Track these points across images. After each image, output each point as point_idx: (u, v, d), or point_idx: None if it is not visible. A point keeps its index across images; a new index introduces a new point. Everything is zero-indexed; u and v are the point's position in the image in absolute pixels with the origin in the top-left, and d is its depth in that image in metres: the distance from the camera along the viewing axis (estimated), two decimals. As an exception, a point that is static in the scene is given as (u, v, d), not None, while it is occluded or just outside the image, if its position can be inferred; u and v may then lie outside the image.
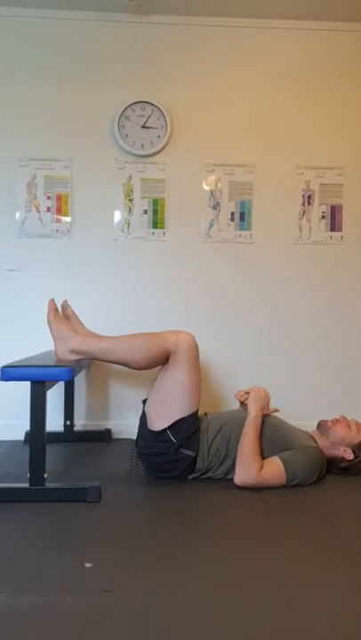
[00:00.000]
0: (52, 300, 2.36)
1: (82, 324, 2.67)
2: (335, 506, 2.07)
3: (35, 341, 2.73)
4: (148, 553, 1.65)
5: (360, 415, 2.56)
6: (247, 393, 2.45)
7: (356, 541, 1.76)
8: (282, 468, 2.22)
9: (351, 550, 1.69)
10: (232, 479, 2.28)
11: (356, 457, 2.39)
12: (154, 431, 2.30)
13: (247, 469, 2.20)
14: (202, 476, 2.33)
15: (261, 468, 2.21)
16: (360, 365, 3.18)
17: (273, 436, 2.33)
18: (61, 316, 2.43)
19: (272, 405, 2.46)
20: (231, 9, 3.02)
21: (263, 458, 2.26)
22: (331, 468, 2.40)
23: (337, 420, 2.44)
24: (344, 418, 2.47)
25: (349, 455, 2.38)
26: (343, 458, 2.39)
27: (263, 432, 2.32)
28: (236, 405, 2.55)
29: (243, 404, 2.47)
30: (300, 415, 2.81)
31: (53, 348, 2.33)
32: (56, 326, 2.30)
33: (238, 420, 2.37)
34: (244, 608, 1.36)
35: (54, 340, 2.30)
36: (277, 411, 2.48)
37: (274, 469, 2.22)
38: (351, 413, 2.58)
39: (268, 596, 1.42)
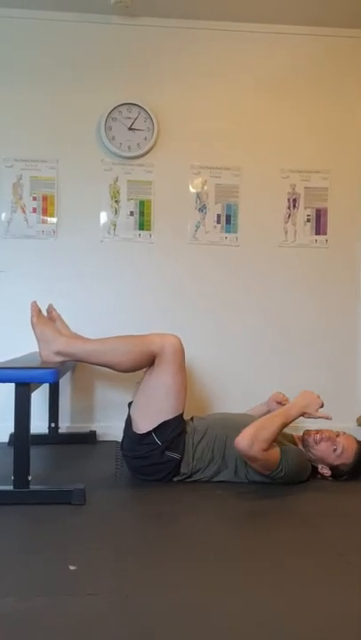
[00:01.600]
0: (35, 302, 2.34)
1: (67, 326, 2.66)
2: (320, 508, 2.08)
3: (19, 343, 2.71)
4: (134, 555, 1.65)
5: (355, 415, 2.55)
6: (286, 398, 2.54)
7: (340, 542, 1.77)
8: (279, 455, 2.21)
9: (340, 552, 1.70)
10: (217, 482, 2.29)
11: (332, 475, 2.37)
12: (139, 434, 2.29)
13: (255, 442, 2.10)
14: (187, 479, 2.32)
15: (266, 450, 2.14)
16: (353, 366, 3.20)
17: None
18: (45, 318, 2.41)
19: None
20: (218, 13, 3.03)
21: None
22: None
23: (321, 438, 2.35)
24: (330, 438, 2.34)
25: (327, 472, 2.37)
26: (321, 474, 2.38)
27: None
28: (231, 407, 2.55)
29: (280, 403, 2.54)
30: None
31: (38, 349, 2.32)
32: (40, 329, 2.28)
33: (223, 424, 2.38)
34: (241, 608, 1.36)
35: (38, 343, 2.29)
36: (329, 418, 2.26)
37: (273, 453, 2.19)
38: (346, 414, 2.56)
39: (268, 595, 1.42)
